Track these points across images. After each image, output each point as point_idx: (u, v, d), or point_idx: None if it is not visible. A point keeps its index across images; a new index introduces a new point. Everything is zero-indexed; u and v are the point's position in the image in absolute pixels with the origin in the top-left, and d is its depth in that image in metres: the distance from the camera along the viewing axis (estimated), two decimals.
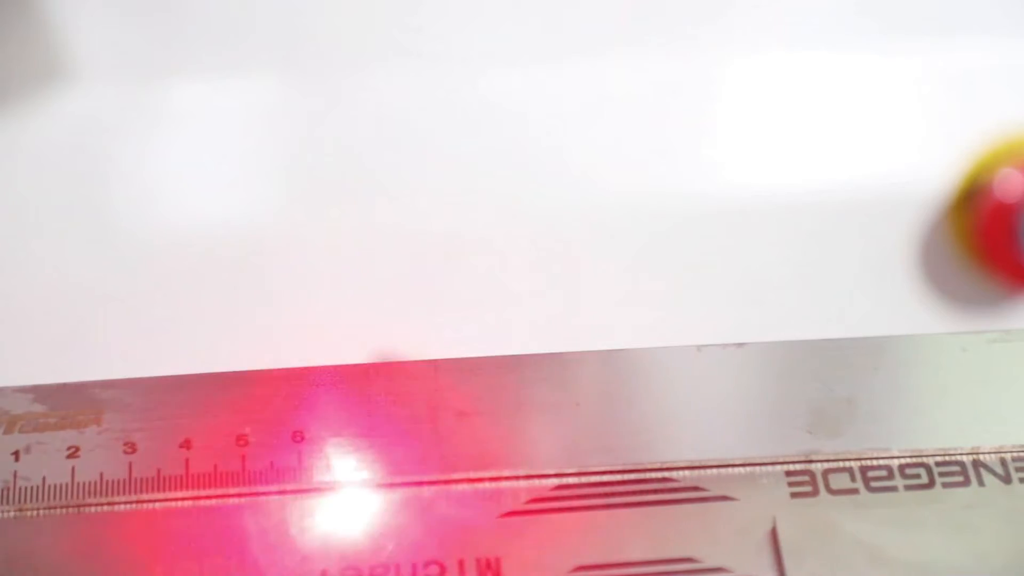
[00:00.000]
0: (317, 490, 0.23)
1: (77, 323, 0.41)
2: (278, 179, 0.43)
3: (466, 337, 0.42)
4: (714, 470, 0.23)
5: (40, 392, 0.23)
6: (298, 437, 0.23)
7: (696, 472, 0.23)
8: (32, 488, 0.23)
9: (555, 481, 0.23)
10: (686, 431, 0.24)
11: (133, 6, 0.43)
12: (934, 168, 0.45)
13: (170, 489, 0.23)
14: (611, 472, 0.23)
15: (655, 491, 0.23)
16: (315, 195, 0.43)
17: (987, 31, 0.46)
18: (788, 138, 0.45)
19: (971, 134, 0.45)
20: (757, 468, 0.24)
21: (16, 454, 0.23)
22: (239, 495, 0.23)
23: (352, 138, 0.44)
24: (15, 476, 0.23)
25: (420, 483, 0.23)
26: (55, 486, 0.23)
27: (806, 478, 0.23)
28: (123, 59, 0.43)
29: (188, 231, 0.42)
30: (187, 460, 0.23)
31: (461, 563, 0.23)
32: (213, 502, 0.23)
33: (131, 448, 0.23)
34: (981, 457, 0.24)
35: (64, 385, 0.23)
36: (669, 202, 0.44)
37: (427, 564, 0.22)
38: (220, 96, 0.43)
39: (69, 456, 0.23)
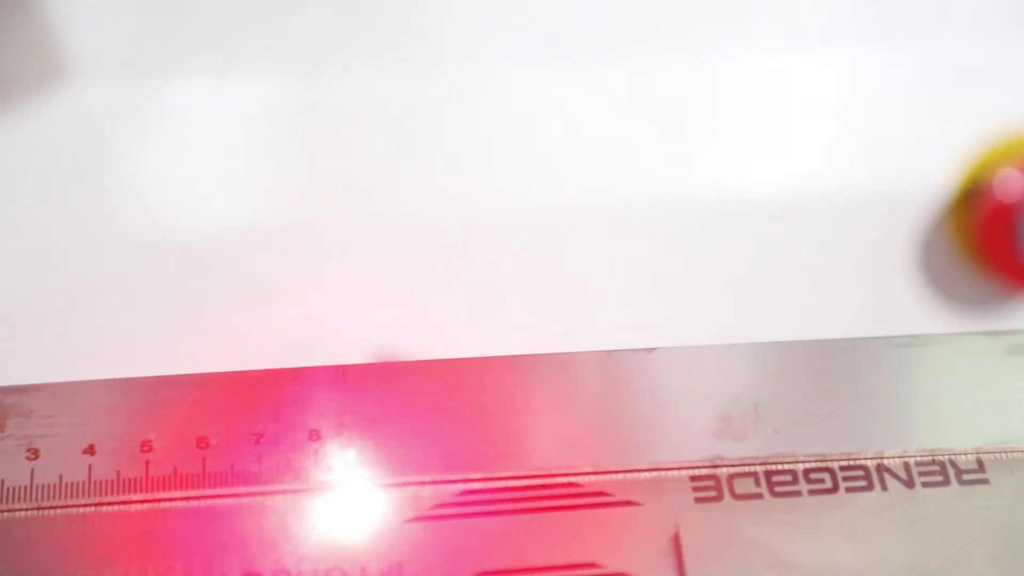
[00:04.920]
0: (221, 496, 0.23)
1: (78, 322, 0.42)
2: (277, 179, 0.43)
3: (466, 337, 0.42)
4: (619, 475, 0.23)
5: None
6: (203, 443, 0.23)
7: (601, 477, 0.23)
8: None
9: (460, 487, 0.23)
10: (593, 436, 0.24)
11: (133, 6, 0.44)
12: (934, 168, 0.44)
13: (72, 496, 0.23)
14: (516, 477, 0.23)
15: (560, 496, 0.23)
16: (314, 195, 0.43)
17: (987, 31, 0.45)
18: (787, 138, 0.44)
19: (971, 134, 0.44)
20: (662, 473, 0.23)
21: None
22: (142, 501, 0.23)
23: (352, 138, 0.44)
24: None
25: (324, 488, 0.23)
26: None
27: (711, 483, 0.23)
28: (123, 59, 0.44)
29: (184, 231, 0.43)
30: (90, 466, 0.23)
31: (363, 569, 0.23)
32: (116, 508, 0.23)
33: (34, 454, 0.23)
34: (885, 462, 0.23)
35: None
36: (668, 202, 0.43)
37: (329, 570, 0.23)
38: (220, 96, 0.44)
39: None
